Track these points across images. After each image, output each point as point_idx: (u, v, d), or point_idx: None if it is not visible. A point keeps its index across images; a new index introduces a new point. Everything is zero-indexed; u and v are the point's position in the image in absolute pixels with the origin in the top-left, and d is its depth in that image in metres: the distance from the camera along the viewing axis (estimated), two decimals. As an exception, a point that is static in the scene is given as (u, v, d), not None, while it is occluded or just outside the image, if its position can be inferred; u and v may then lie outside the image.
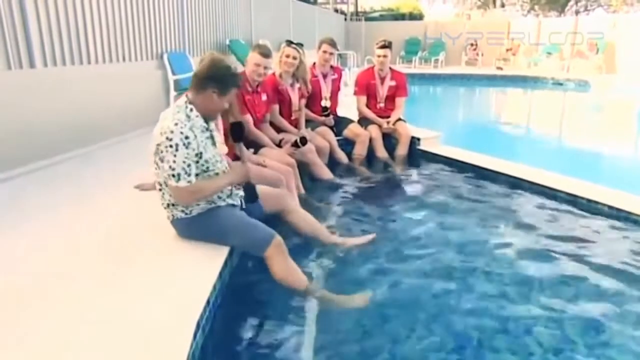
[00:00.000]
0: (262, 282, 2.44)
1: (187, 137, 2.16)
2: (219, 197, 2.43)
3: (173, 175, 2.18)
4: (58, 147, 4.01)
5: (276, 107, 4.04)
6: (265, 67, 3.52)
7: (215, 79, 2.25)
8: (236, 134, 2.58)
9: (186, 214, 2.36)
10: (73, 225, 2.67)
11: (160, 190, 2.37)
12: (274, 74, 4.00)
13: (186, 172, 2.18)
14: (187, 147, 2.16)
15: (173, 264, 2.22)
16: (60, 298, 1.92)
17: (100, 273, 2.14)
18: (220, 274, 2.16)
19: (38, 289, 2.00)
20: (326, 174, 4.06)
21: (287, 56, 3.96)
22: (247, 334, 2.10)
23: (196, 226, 2.39)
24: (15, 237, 2.49)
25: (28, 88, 3.74)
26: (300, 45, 4.01)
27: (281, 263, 2.31)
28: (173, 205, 2.36)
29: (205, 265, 2.20)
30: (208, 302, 1.93)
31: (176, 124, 2.15)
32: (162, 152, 2.17)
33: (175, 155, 2.15)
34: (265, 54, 3.49)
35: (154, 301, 1.91)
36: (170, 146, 2.13)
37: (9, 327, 1.74)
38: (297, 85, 4.14)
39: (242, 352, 2.00)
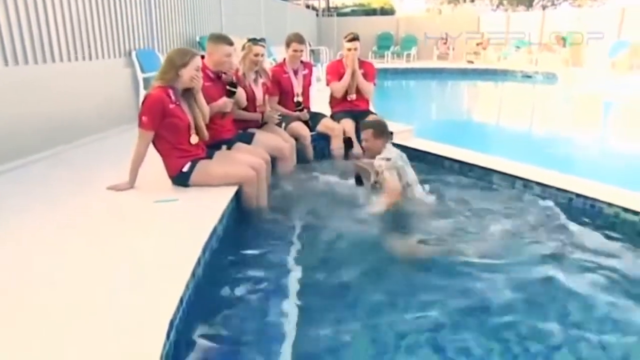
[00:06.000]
0: (237, 279, 2.43)
1: None
2: None
3: None
4: (27, 148, 3.88)
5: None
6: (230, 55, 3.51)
7: None
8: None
9: None
10: (45, 226, 2.59)
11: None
12: (237, 70, 3.87)
13: None
14: None
15: (145, 262, 2.18)
16: (30, 299, 1.87)
17: (72, 272, 2.08)
18: (193, 272, 2.13)
19: (8, 290, 1.94)
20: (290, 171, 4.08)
21: (256, 55, 3.91)
22: (222, 331, 2.08)
23: None
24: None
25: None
26: (263, 40, 3.98)
27: None
28: None
29: (178, 263, 2.16)
30: (181, 300, 1.90)
31: None
32: None
33: None
34: (231, 42, 3.48)
35: (126, 301, 1.87)
36: None
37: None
38: (260, 80, 4.10)
39: (217, 350, 1.98)
